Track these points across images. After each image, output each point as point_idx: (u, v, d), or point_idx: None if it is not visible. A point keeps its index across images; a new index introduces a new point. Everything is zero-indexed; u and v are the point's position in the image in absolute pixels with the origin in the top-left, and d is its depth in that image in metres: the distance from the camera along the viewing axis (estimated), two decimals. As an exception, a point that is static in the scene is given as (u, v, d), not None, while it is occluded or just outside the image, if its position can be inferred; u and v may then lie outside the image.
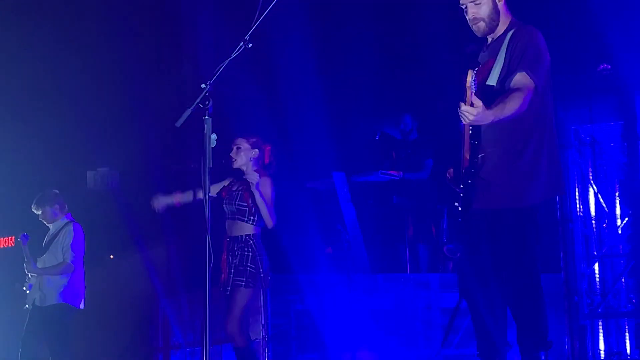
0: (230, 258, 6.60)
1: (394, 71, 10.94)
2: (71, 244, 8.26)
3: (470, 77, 4.41)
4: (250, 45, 5.04)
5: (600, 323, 8.64)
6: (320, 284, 8.87)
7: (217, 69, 5.18)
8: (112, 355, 12.60)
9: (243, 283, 6.53)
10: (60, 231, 8.35)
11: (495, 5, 4.89)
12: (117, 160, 12.24)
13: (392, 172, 9.86)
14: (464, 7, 4.93)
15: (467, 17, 4.94)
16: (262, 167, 6.77)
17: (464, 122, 4.53)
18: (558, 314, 8.86)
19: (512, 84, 4.70)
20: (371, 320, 8.88)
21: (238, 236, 6.62)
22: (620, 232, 8.71)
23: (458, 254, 10.27)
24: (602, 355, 8.59)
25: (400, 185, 9.85)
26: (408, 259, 9.85)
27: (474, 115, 4.41)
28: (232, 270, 6.57)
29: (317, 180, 9.86)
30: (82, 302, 8.37)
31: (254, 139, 6.78)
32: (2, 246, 13.24)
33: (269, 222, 6.64)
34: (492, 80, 4.77)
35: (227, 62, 5.15)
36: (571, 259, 8.66)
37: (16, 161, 11.50)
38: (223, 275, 6.67)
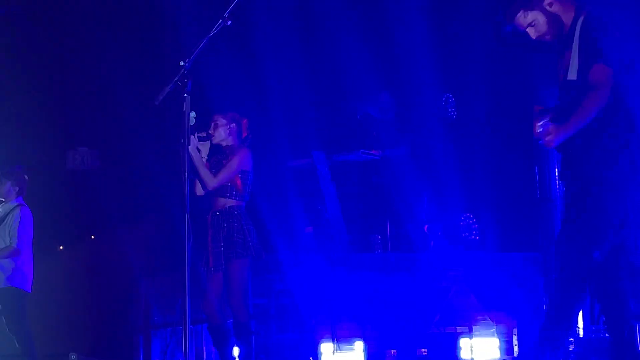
0: (217, 233, 6.56)
1: (375, 50, 10.92)
2: (18, 229, 8.21)
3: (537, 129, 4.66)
4: (229, 22, 5.03)
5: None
6: (301, 263, 8.88)
7: (196, 47, 5.16)
8: (92, 335, 12.59)
9: (234, 254, 6.49)
10: (9, 214, 8.31)
11: (549, 14, 4.97)
12: (97, 139, 12.19)
13: (373, 151, 9.86)
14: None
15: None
16: (240, 141, 6.77)
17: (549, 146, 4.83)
18: (537, 292, 8.92)
19: (590, 78, 4.83)
20: (351, 299, 8.90)
21: (223, 209, 6.60)
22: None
23: (438, 233, 10.36)
24: (581, 333, 8.65)
25: (381, 164, 9.86)
26: (389, 238, 9.88)
27: (554, 140, 4.72)
28: (222, 244, 6.53)
29: (297, 160, 9.84)
30: (30, 286, 8.33)
31: (230, 114, 6.77)
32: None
33: (207, 184, 6.55)
34: (572, 75, 4.90)
35: (206, 39, 5.13)
36: (550, 238, 8.70)
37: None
38: (210, 256, 6.59)
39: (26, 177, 8.51)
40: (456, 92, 10.92)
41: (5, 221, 8.28)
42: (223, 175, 6.57)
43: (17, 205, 8.33)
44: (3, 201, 8.44)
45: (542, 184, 8.77)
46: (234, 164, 6.60)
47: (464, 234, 10.63)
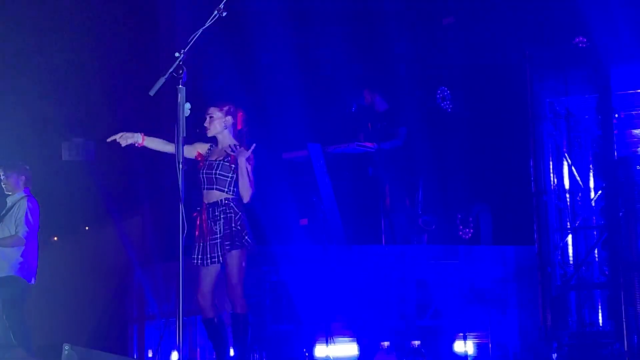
0: (212, 224, 6.52)
1: (370, 43, 10.94)
2: (24, 218, 8.21)
3: None
4: (224, 13, 5.01)
5: (573, 294, 8.70)
6: (296, 255, 8.88)
7: (191, 38, 5.15)
8: (87, 326, 12.60)
9: (233, 245, 6.47)
10: (16, 204, 8.31)
11: None
12: (92, 130, 12.17)
13: (367, 143, 9.86)
14: None
15: None
16: (235, 133, 6.72)
17: None
18: (532, 285, 8.93)
19: None
20: (346, 291, 8.91)
21: (217, 201, 6.56)
22: (593, 204, 8.76)
23: (433, 226, 10.37)
24: (575, 326, 8.66)
25: (376, 156, 9.86)
26: (383, 231, 9.88)
27: None
28: (218, 236, 6.49)
29: (292, 152, 9.84)
30: (34, 277, 8.33)
31: (226, 107, 6.72)
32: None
33: (247, 197, 6.56)
34: None
35: (201, 30, 5.13)
36: (545, 231, 8.69)
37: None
38: (206, 249, 6.52)
39: (28, 167, 8.50)
40: (451, 85, 10.93)
41: (11, 211, 8.29)
42: (251, 178, 6.55)
43: (25, 196, 8.34)
44: (10, 194, 8.44)
45: (537, 177, 8.77)
46: (251, 163, 6.58)
47: (459, 227, 10.64)
